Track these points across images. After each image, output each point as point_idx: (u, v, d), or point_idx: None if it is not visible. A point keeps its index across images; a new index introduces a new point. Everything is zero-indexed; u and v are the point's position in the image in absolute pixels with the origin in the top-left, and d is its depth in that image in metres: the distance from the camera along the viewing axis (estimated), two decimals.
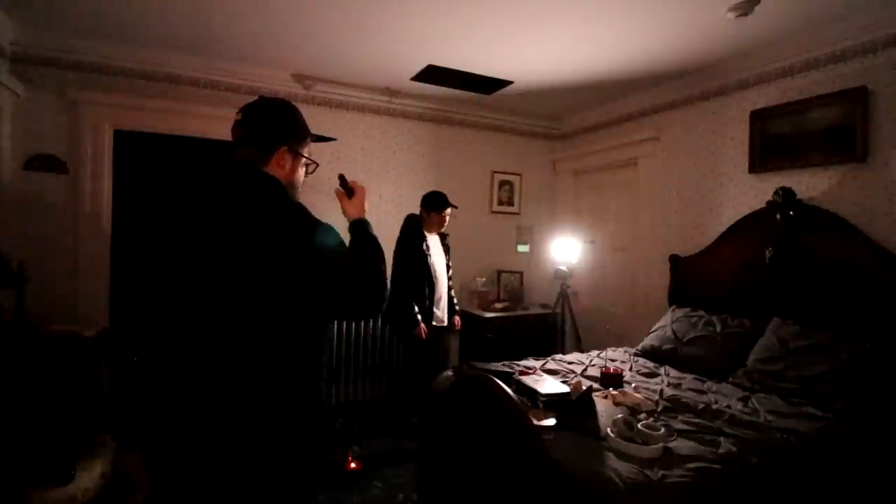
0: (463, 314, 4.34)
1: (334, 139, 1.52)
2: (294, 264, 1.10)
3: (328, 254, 1.14)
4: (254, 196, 1.17)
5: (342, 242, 1.20)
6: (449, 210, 3.35)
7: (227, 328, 1.12)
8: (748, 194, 3.10)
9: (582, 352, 3.21)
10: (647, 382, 2.53)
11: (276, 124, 1.26)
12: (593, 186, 4.53)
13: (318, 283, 1.12)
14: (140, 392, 1.24)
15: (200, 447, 1.13)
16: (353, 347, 3.85)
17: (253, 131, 1.24)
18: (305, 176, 1.36)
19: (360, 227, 1.35)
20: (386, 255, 1.34)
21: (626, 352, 3.15)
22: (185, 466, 1.15)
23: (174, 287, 1.18)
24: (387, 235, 4.06)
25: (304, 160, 1.32)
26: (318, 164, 1.38)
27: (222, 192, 1.20)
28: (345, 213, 1.40)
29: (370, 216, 1.42)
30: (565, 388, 2.14)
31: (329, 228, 1.18)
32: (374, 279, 1.20)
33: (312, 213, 1.21)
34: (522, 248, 4.72)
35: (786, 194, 2.77)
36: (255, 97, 1.33)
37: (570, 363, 2.82)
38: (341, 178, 1.44)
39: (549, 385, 2.18)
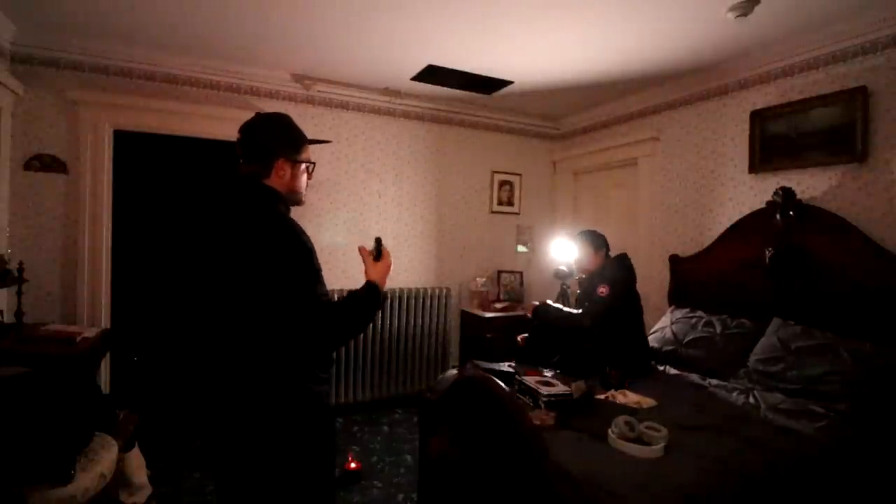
0: (463, 314, 4.35)
1: (329, 142, 1.80)
2: (267, 273, 1.23)
3: (296, 272, 1.24)
4: (250, 208, 1.31)
5: (311, 263, 1.27)
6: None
7: (217, 324, 1.29)
8: (748, 194, 3.10)
9: None
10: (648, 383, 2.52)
11: (270, 140, 1.37)
12: (593, 186, 4.53)
13: (282, 295, 1.23)
14: (156, 383, 1.42)
15: (205, 425, 1.33)
16: (353, 348, 3.85)
17: (251, 150, 1.37)
18: (309, 177, 1.48)
19: (370, 291, 1.38)
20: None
21: None
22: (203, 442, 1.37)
23: (179, 289, 1.37)
24: (385, 234, 4.09)
25: (303, 165, 1.43)
26: (314, 163, 1.49)
27: (226, 204, 1.34)
28: (366, 272, 1.42)
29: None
30: (567, 389, 2.14)
31: (305, 249, 1.27)
32: (333, 327, 1.27)
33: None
34: (522, 249, 4.72)
35: (786, 194, 2.77)
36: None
37: None
38: (378, 241, 1.48)
39: (551, 385, 2.18)
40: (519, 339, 3.10)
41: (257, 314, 1.25)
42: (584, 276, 2.97)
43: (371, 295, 1.36)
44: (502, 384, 1.77)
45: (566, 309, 2.91)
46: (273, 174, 1.35)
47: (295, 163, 1.39)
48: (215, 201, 1.36)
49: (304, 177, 1.44)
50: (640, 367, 2.66)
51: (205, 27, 2.86)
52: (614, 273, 2.77)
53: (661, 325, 3.19)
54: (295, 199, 1.42)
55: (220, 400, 1.29)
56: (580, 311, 2.81)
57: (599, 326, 2.66)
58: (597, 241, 2.92)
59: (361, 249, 1.46)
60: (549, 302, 3.01)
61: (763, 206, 2.93)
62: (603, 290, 2.72)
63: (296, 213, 1.41)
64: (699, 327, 2.94)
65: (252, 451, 1.27)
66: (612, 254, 2.93)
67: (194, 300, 1.33)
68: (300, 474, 1.30)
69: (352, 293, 1.36)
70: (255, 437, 1.26)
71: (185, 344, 1.38)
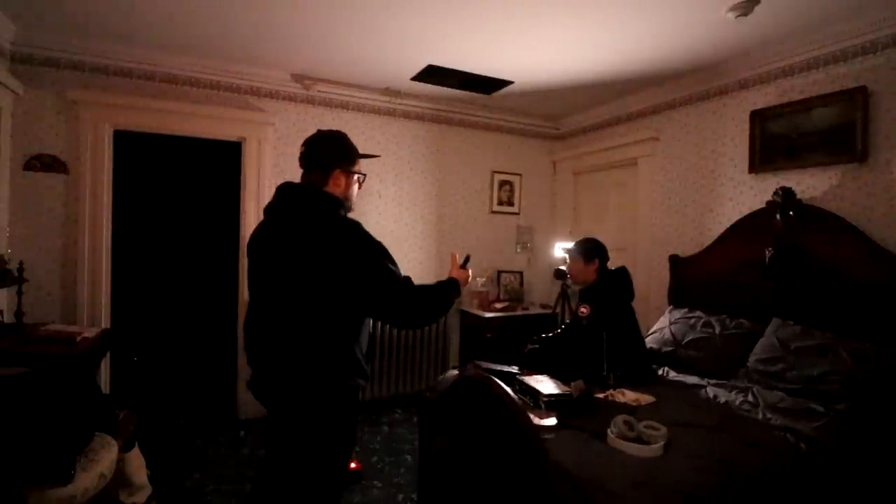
0: (463, 314, 4.35)
1: (378, 156, 2.09)
2: (341, 265, 1.41)
3: (372, 260, 1.44)
4: (317, 211, 1.50)
5: (384, 253, 1.48)
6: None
7: (291, 310, 1.46)
8: (748, 194, 3.10)
9: None
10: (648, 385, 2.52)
11: (329, 153, 1.59)
12: (593, 186, 4.53)
13: (361, 280, 1.42)
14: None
15: (272, 389, 1.54)
16: None
17: (313, 160, 1.59)
18: (359, 187, 1.68)
19: (451, 282, 1.68)
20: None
21: None
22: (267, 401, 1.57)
23: (254, 279, 1.57)
24: (385, 234, 4.09)
25: (355, 176, 1.65)
26: (365, 175, 1.71)
27: (294, 207, 1.52)
28: (451, 271, 1.74)
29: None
30: (567, 389, 2.15)
31: (374, 242, 1.48)
32: (418, 300, 1.52)
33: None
34: (522, 249, 4.72)
35: (786, 194, 2.77)
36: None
37: None
38: (467, 258, 1.83)
39: (551, 385, 2.18)
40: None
41: (331, 303, 1.43)
42: (580, 289, 2.77)
43: (452, 285, 1.66)
44: (502, 384, 1.77)
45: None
46: (330, 183, 1.56)
47: (349, 173, 1.61)
48: (280, 205, 1.55)
49: (356, 186, 1.66)
50: (640, 378, 2.53)
51: (205, 27, 2.86)
52: (601, 292, 2.60)
53: (660, 326, 3.19)
54: (348, 205, 1.62)
55: (284, 382, 1.48)
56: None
57: (586, 343, 2.57)
58: (589, 251, 2.70)
59: (453, 255, 1.82)
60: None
61: (763, 206, 2.93)
62: (584, 310, 2.56)
63: None
64: (698, 328, 2.94)
65: (294, 429, 1.48)
66: (613, 265, 2.76)
67: (270, 289, 1.51)
68: (326, 458, 1.51)
69: (438, 281, 1.65)
70: (300, 416, 1.47)
71: (262, 320, 1.56)
